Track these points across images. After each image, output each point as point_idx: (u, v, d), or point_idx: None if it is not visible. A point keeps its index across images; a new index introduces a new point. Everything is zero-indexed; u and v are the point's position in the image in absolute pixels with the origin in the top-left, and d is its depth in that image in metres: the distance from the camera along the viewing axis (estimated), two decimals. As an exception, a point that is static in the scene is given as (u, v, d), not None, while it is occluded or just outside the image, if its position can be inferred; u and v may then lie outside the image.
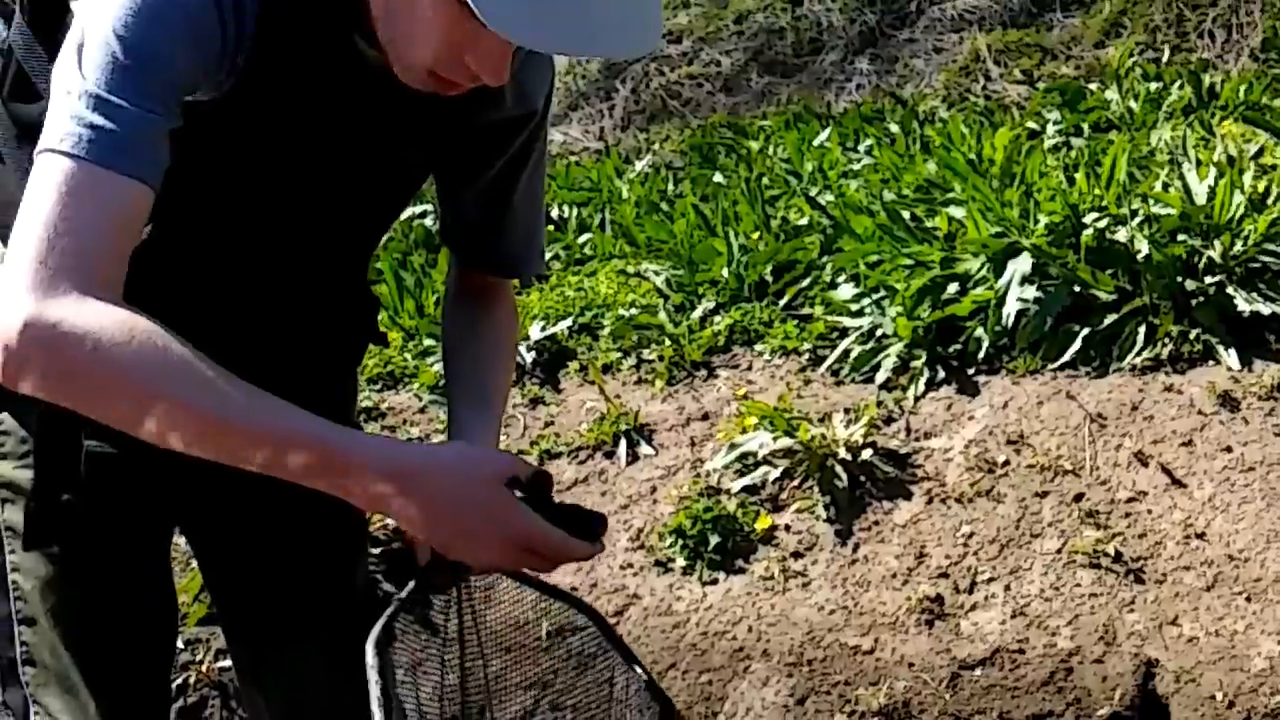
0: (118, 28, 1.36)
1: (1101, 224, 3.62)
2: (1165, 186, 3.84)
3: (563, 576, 3.55)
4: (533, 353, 4.34)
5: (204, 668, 3.34)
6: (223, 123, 1.51)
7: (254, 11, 1.43)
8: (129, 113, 1.36)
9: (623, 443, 3.84)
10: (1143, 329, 3.48)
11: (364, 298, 1.87)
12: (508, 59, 1.41)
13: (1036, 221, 3.71)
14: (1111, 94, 5.52)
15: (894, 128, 5.90)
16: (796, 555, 3.37)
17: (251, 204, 1.64)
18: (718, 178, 5.73)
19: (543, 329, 4.41)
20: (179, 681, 3.23)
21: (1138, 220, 3.63)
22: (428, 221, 5.89)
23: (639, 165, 6.71)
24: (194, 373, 1.32)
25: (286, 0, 1.46)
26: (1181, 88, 5.37)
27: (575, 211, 5.59)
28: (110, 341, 1.29)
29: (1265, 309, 3.39)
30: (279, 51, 1.47)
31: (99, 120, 1.34)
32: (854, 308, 3.90)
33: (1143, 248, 3.53)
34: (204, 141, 1.50)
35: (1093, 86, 5.89)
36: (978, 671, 3.00)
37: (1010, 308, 3.57)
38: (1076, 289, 3.57)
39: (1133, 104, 5.33)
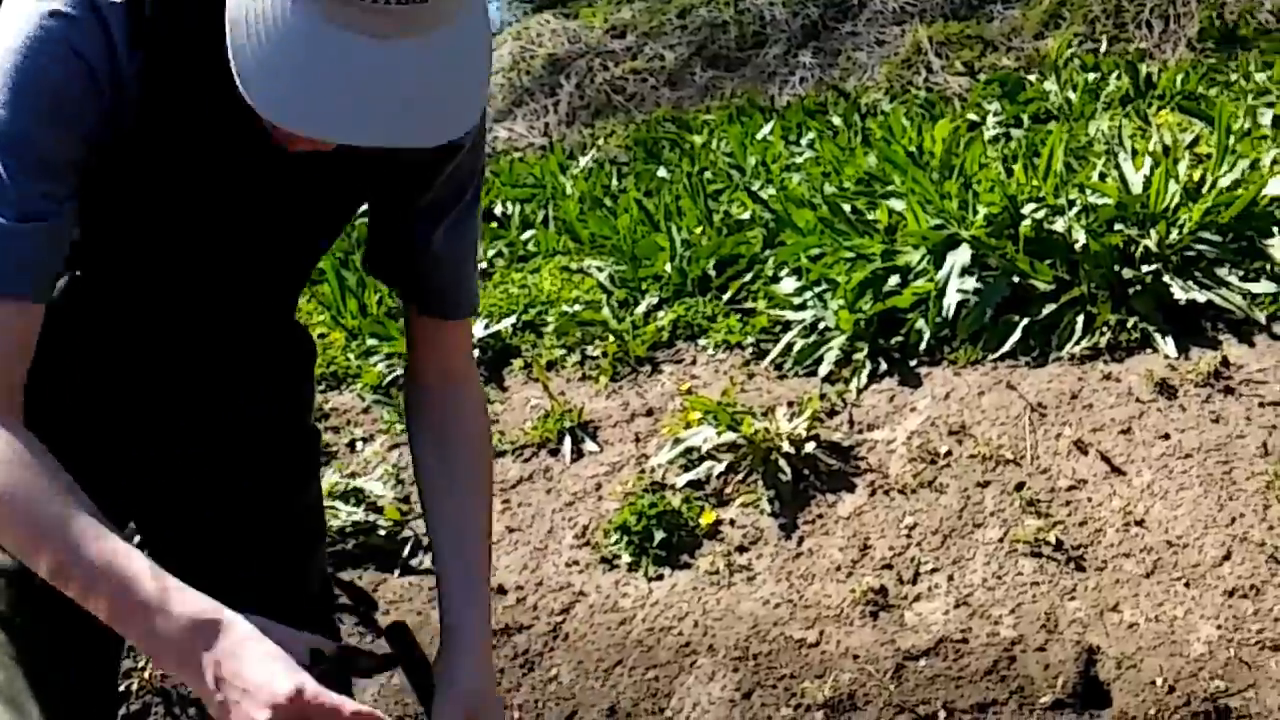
0: None
1: (1040, 214, 3.65)
2: (1102, 176, 3.87)
3: (506, 575, 3.54)
4: (476, 350, 4.32)
5: (146, 674, 3.31)
6: (124, 177, 1.49)
7: (134, 73, 1.40)
8: (7, 229, 1.35)
9: (567, 440, 3.84)
10: (1081, 318, 3.51)
11: (295, 335, 1.86)
12: None
13: (975, 213, 3.73)
14: (1050, 85, 5.56)
15: (836, 120, 5.92)
16: (741, 549, 3.38)
17: (163, 250, 1.62)
18: (662, 172, 5.73)
19: (486, 326, 4.39)
20: (121, 688, 3.20)
21: (1075, 210, 3.66)
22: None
23: (583, 161, 6.70)
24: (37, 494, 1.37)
25: (169, 58, 1.42)
26: (1119, 78, 5.42)
27: (519, 208, 5.57)
28: None
29: (1201, 297, 3.42)
30: (166, 109, 1.44)
31: None
32: (796, 301, 3.91)
33: (1080, 237, 3.55)
34: (113, 192, 1.49)
35: (1032, 78, 5.94)
36: (922, 662, 3.01)
37: (950, 299, 3.59)
38: (1016, 279, 3.59)
39: (1071, 95, 5.37)
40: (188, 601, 1.38)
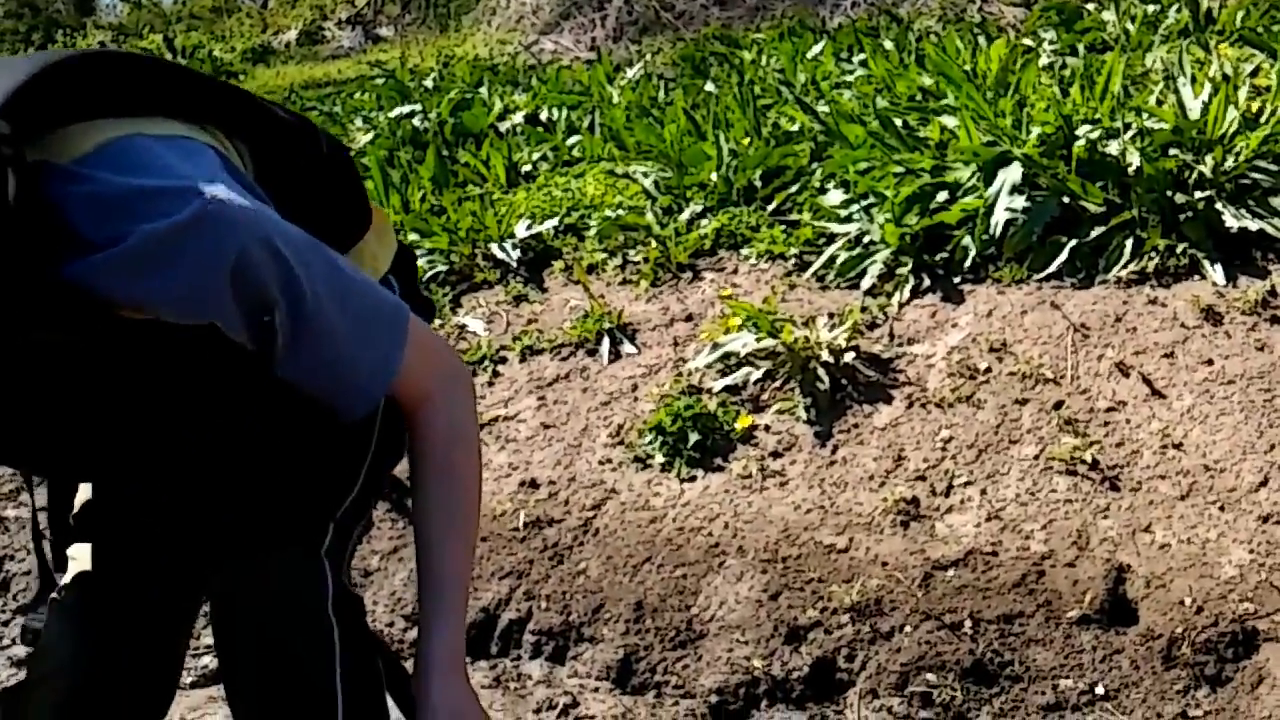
0: None
1: (1094, 136, 3.61)
2: (1159, 101, 3.82)
3: (539, 470, 3.56)
4: (518, 251, 4.32)
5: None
6: None
7: None
8: None
9: (605, 340, 3.84)
10: (1130, 242, 3.48)
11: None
12: None
13: (1029, 132, 3.69)
14: (1109, 15, 5.47)
15: (888, 44, 5.85)
16: (775, 455, 3.38)
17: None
18: (709, 87, 5.68)
19: (528, 228, 4.39)
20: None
21: (1130, 134, 3.61)
22: (415, 121, 5.85)
23: (629, 73, 6.65)
24: None
25: None
26: (1179, 11, 5.33)
27: (564, 114, 5.54)
28: None
29: (1253, 225, 3.38)
30: None
31: None
32: (842, 214, 3.89)
33: (1134, 161, 3.51)
34: None
35: (1090, 7, 5.84)
36: (950, 572, 3.02)
37: (999, 216, 3.56)
38: (1066, 200, 3.56)
39: (1129, 25, 5.29)
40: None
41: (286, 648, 1.75)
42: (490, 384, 3.89)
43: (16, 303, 1.44)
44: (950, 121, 3.91)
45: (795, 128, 4.46)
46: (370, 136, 5.80)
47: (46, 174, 1.45)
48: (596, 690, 3.08)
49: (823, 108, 4.55)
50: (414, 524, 1.75)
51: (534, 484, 3.52)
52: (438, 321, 4.13)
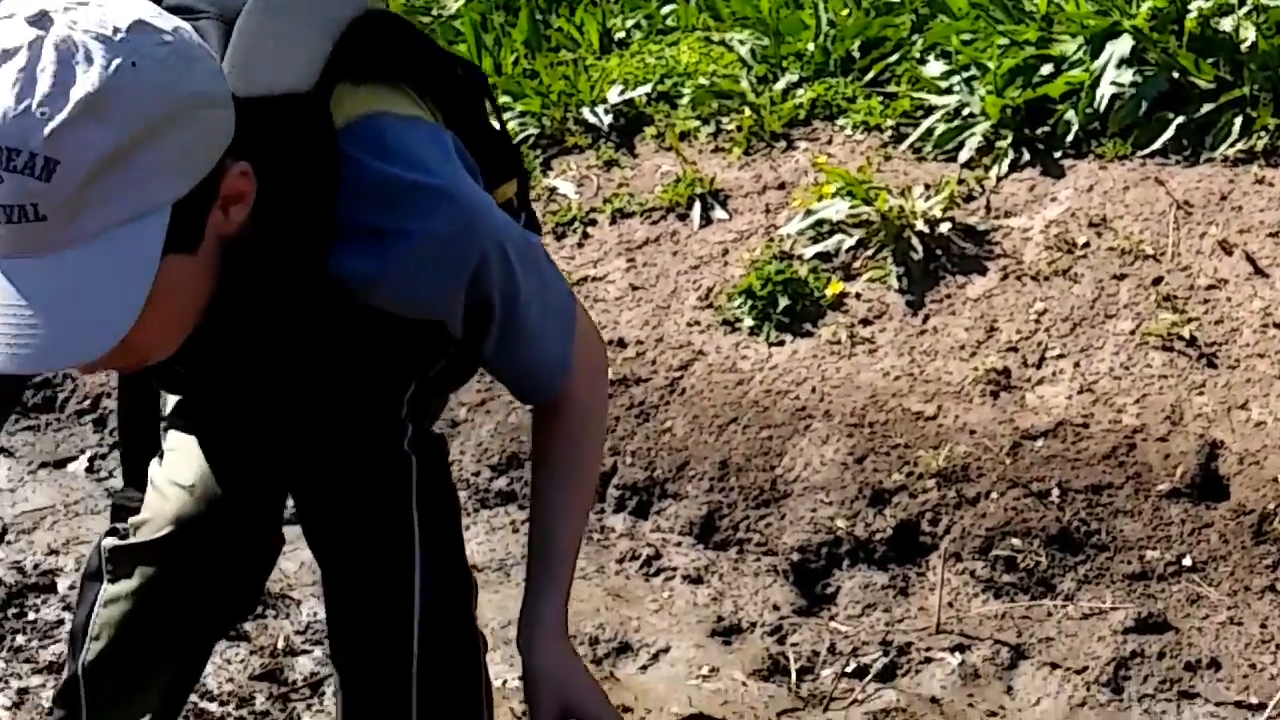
0: None
1: (1208, 10, 3.51)
2: (1278, -22, 3.70)
3: (627, 330, 3.57)
4: (609, 116, 4.29)
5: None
6: None
7: None
8: None
9: (696, 205, 3.82)
10: (1239, 120, 3.39)
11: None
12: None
13: (1140, 4, 3.60)
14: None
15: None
16: (865, 322, 3.37)
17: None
18: (805, -39, 5.58)
19: (621, 93, 4.35)
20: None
21: (1245, 9, 3.51)
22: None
23: (725, -52, 6.53)
24: None
25: None
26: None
27: (659, -17, 5.46)
28: None
29: (1369, 105, 3.29)
30: None
31: None
32: (942, 85, 3.82)
33: (1248, 37, 3.42)
34: None
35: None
36: (1039, 442, 3.01)
37: (1105, 90, 3.48)
38: (1175, 75, 3.47)
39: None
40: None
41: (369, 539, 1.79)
42: (579, 245, 3.90)
43: (294, 280, 1.47)
44: (1058, -7, 3.82)
45: (896, -1, 4.37)
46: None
47: None
48: (679, 544, 3.11)
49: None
50: (533, 491, 1.77)
51: (621, 343, 3.54)
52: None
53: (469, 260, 1.49)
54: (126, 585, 1.87)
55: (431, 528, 1.75)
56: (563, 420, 1.74)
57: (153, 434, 1.89)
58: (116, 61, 1.21)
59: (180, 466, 1.83)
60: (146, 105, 1.22)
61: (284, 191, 1.39)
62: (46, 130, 1.18)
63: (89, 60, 1.21)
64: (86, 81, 1.20)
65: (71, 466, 3.67)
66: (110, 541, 1.88)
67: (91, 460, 3.68)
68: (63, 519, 3.30)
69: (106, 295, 1.25)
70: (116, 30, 1.23)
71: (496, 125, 1.79)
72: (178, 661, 1.97)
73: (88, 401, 3.93)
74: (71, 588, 2.88)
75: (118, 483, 2.37)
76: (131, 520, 1.87)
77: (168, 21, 1.29)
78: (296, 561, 2.94)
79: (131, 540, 1.85)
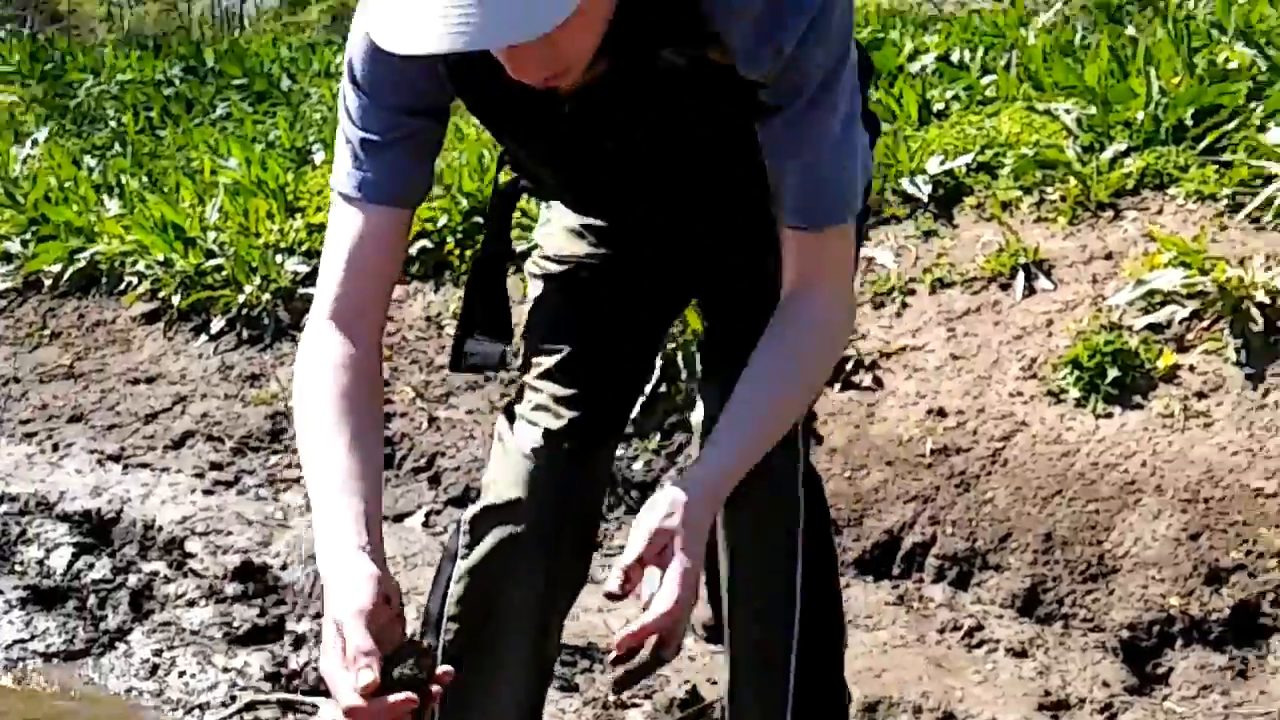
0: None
1: None
2: None
3: (948, 399, 3.55)
4: (929, 186, 4.30)
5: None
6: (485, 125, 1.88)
7: None
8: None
9: (1020, 275, 3.78)
10: None
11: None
12: (515, 60, 1.46)
13: None
14: None
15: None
16: (1200, 395, 3.26)
17: (554, 171, 1.92)
18: (1130, 31, 5.47)
19: (941, 163, 4.35)
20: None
21: None
22: None
23: (1042, 18, 6.47)
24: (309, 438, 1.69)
25: None
26: None
27: (980, 54, 5.45)
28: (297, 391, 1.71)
29: None
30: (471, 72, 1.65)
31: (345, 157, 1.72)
32: (1283, 153, 3.69)
33: None
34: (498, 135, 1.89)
35: None
36: (1395, 525, 2.84)
37: None
38: None
39: None
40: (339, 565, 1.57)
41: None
42: (898, 315, 3.91)
43: (666, 14, 1.57)
44: None
45: (1233, 65, 4.24)
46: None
47: None
48: (1001, 617, 3.07)
49: (1270, 49, 4.30)
50: (754, 360, 1.73)
51: (941, 412, 3.52)
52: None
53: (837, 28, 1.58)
54: (480, 550, 1.98)
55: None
56: (810, 303, 1.71)
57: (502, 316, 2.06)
58: None
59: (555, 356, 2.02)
60: None
61: None
62: None
63: None
64: None
65: (409, 521, 3.88)
66: (470, 512, 2.02)
67: (428, 515, 3.89)
68: (402, 570, 3.49)
69: None
70: None
71: None
72: (529, 639, 2.03)
73: (424, 460, 4.16)
74: (415, 636, 3.02)
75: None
76: (484, 480, 2.03)
77: None
78: (620, 618, 3.03)
79: (485, 503, 1.99)
